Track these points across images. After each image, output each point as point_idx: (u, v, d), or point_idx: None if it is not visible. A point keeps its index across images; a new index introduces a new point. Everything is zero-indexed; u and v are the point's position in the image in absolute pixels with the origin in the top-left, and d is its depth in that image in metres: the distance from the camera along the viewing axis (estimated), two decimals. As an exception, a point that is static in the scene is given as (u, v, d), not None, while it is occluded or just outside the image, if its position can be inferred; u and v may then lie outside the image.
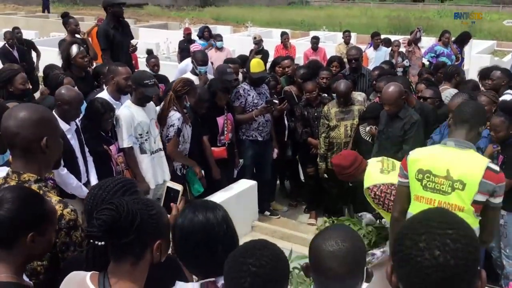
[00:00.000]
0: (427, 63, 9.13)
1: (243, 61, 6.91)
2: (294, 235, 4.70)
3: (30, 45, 9.97)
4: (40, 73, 8.07)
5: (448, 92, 5.15)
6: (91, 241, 1.55)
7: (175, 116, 4.66)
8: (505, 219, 4.16)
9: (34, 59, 9.78)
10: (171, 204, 2.08)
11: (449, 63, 8.04)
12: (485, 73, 5.70)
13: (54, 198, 2.03)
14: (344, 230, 1.67)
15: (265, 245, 1.54)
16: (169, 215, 2.06)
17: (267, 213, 5.82)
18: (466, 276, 1.12)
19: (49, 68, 5.46)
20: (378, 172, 3.52)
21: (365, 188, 3.52)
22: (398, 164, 3.56)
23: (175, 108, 4.67)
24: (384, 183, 3.45)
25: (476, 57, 12.44)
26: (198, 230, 1.73)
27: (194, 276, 1.88)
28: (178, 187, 2.10)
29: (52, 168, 2.26)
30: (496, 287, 4.06)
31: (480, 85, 5.63)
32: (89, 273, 1.62)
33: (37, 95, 6.67)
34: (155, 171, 4.56)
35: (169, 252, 2.04)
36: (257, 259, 1.45)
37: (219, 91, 5.12)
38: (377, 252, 3.78)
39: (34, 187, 2.00)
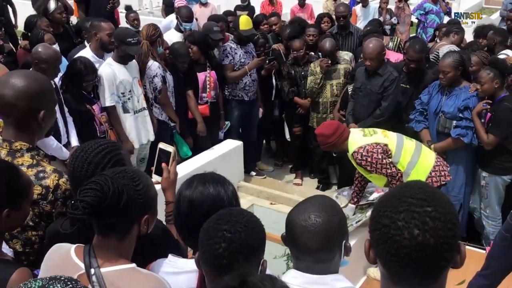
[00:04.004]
0: (415, 20, 9.00)
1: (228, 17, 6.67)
2: (280, 196, 4.69)
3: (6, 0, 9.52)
4: (19, 29, 7.77)
5: (446, 48, 5.03)
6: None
7: (154, 66, 4.57)
8: (486, 180, 4.21)
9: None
10: (163, 164, 2.02)
11: (438, 21, 7.92)
12: (479, 32, 5.61)
13: (48, 168, 1.95)
14: (321, 202, 1.62)
15: (241, 213, 1.52)
16: (160, 178, 2.01)
17: (253, 173, 5.80)
18: (446, 253, 1.11)
19: (33, 16, 5.29)
20: (361, 136, 3.58)
21: (351, 154, 3.55)
22: (378, 130, 3.65)
23: (152, 57, 4.58)
24: (368, 143, 3.50)
25: (464, 15, 12.28)
26: (208, 203, 1.68)
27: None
28: (170, 148, 2.05)
29: (43, 137, 2.17)
30: (478, 246, 4.14)
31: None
32: (73, 246, 1.56)
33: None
34: (139, 131, 4.50)
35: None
36: (232, 226, 1.43)
37: (194, 44, 4.96)
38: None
39: (27, 156, 1.93)
